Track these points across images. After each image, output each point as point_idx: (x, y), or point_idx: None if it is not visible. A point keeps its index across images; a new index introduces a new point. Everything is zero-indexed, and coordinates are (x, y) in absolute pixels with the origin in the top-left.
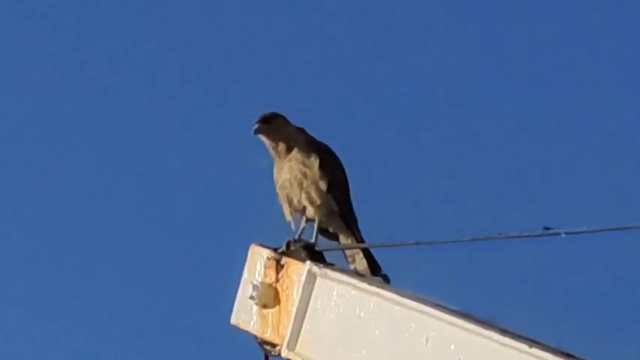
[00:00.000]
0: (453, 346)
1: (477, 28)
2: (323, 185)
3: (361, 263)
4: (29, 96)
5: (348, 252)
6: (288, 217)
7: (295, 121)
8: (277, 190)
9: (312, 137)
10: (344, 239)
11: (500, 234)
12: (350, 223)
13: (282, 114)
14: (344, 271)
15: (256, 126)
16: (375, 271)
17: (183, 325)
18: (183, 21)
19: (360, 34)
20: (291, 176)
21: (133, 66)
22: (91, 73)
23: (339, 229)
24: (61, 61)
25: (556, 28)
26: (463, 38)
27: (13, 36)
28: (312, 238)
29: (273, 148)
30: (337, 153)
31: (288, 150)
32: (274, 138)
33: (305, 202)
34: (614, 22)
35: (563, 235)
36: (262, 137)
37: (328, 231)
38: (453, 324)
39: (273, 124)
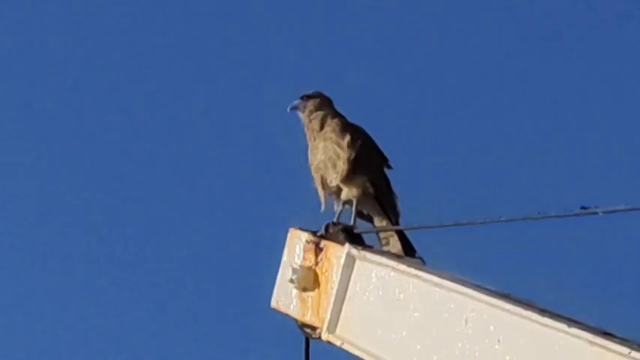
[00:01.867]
0: (492, 327)
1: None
2: (356, 165)
3: (395, 246)
4: (43, 95)
5: (382, 234)
6: (323, 199)
7: (340, 106)
8: (312, 173)
9: (348, 120)
10: (378, 222)
11: (538, 214)
12: (385, 206)
13: (328, 96)
14: (383, 253)
15: (294, 103)
16: (410, 254)
17: (225, 308)
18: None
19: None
20: (326, 157)
21: (169, 50)
22: (128, 61)
23: (373, 211)
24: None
25: (581, 9)
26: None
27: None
28: (350, 220)
29: (308, 126)
30: (374, 135)
31: (323, 130)
32: (311, 116)
33: (339, 183)
34: None
35: (601, 214)
36: (299, 113)
37: (363, 213)
38: (492, 304)
39: (310, 103)
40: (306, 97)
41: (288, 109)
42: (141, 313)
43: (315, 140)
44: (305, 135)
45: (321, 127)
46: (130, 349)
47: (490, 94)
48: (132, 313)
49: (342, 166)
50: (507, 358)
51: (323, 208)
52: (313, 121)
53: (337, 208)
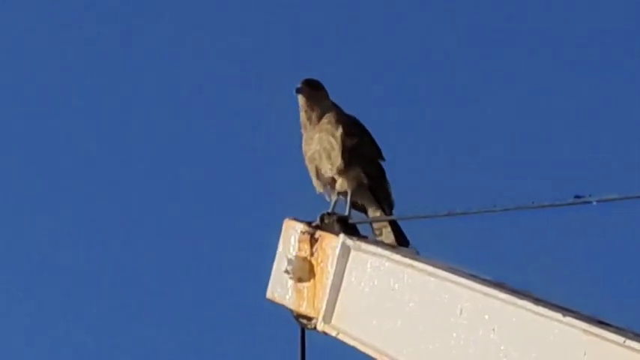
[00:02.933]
0: (487, 316)
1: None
2: (350, 157)
3: (388, 236)
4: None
5: (375, 225)
6: (319, 189)
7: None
8: (306, 163)
9: (344, 112)
10: (372, 212)
11: (532, 203)
12: (380, 197)
13: (324, 86)
14: (377, 243)
15: (300, 86)
16: (403, 244)
17: (220, 300)
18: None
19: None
20: (320, 147)
21: (170, 46)
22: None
23: (368, 201)
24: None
25: None
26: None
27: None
28: (345, 211)
29: (308, 115)
30: (369, 125)
31: (320, 120)
32: (312, 105)
33: (334, 174)
34: None
35: (594, 203)
36: (301, 100)
37: (357, 203)
38: (486, 294)
39: (315, 91)
40: (307, 83)
41: (294, 91)
42: (136, 305)
43: (311, 130)
44: (300, 124)
45: (319, 118)
46: (123, 342)
47: (483, 83)
48: (126, 307)
49: (336, 157)
50: (502, 347)
51: (318, 191)
52: (312, 111)
53: (332, 198)
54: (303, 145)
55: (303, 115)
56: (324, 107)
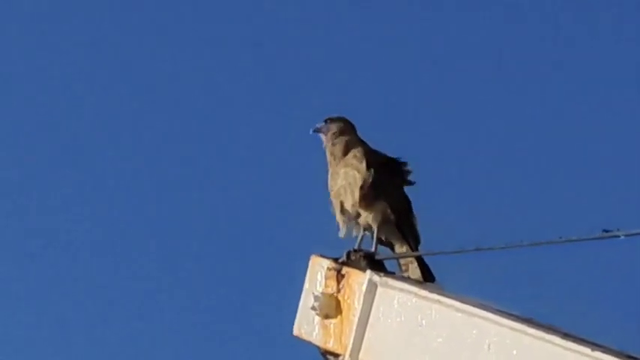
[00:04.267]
0: (515, 352)
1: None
2: (376, 191)
3: (415, 272)
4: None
5: (402, 260)
6: (342, 225)
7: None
8: (332, 198)
9: (370, 147)
10: (398, 247)
11: (560, 238)
12: (406, 232)
13: (352, 122)
14: (404, 279)
15: (318, 126)
16: (429, 279)
17: (247, 337)
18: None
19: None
20: (346, 182)
21: (192, 62)
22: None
23: (393, 237)
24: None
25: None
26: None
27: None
28: (371, 247)
29: (330, 151)
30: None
31: (345, 155)
32: (334, 140)
33: (359, 209)
34: None
35: (622, 237)
36: (323, 136)
37: (381, 239)
38: (514, 329)
39: (334, 126)
40: (330, 121)
41: (310, 132)
42: (165, 344)
43: (336, 165)
44: (326, 159)
45: (344, 153)
46: None
47: (513, 116)
48: (157, 340)
49: (360, 191)
50: None
51: (342, 234)
52: (336, 146)
53: (358, 234)
54: (329, 180)
55: (327, 152)
56: (350, 142)
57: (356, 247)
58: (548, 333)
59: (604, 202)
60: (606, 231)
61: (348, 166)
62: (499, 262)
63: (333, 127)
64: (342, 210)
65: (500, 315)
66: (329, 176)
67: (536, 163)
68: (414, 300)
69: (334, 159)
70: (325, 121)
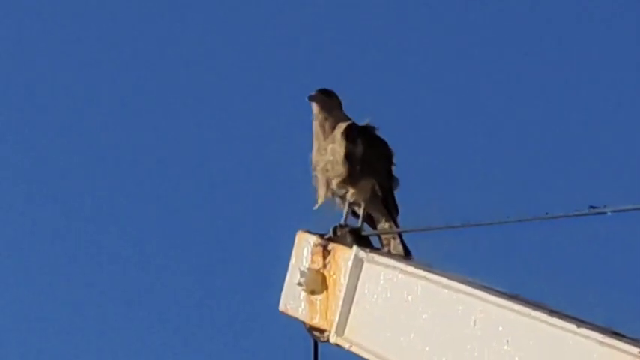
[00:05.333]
0: (500, 327)
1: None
2: (362, 168)
3: (397, 248)
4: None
5: (384, 236)
6: (322, 199)
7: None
8: (316, 173)
9: (356, 124)
10: (383, 223)
11: (547, 214)
12: (391, 209)
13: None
14: (390, 255)
15: (314, 94)
16: (408, 256)
17: (233, 313)
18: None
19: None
20: (334, 158)
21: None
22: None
23: (378, 213)
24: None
25: None
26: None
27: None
28: (358, 222)
29: (321, 124)
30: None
31: (333, 131)
32: (325, 113)
33: (348, 186)
34: None
35: (609, 214)
36: (315, 108)
37: (367, 215)
38: (500, 305)
39: (329, 100)
40: (323, 92)
41: (306, 98)
42: (149, 320)
43: (324, 140)
44: (313, 133)
45: (332, 128)
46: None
47: (498, 92)
48: (143, 320)
49: (343, 168)
50: (516, 358)
51: (317, 206)
52: (328, 120)
53: (344, 210)
54: (314, 154)
55: (316, 124)
56: (337, 117)
57: (342, 222)
58: (534, 309)
59: (591, 178)
60: (593, 207)
61: (336, 142)
62: (486, 239)
63: (324, 101)
64: (328, 186)
65: (486, 291)
66: (314, 150)
67: (523, 139)
68: (400, 276)
69: (323, 132)
70: (319, 91)
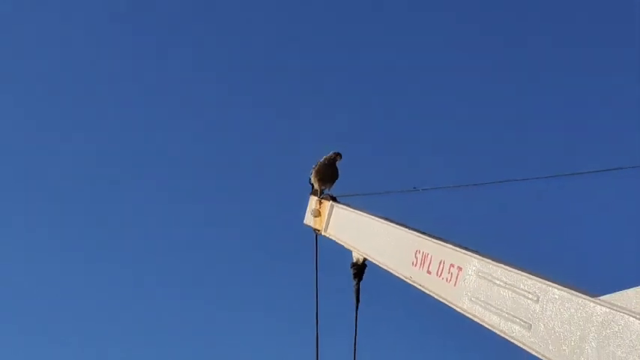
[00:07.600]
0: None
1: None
2: (320, 179)
3: (326, 197)
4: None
5: (323, 195)
6: (317, 187)
7: None
8: (312, 181)
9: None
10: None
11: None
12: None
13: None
14: (344, 204)
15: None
16: (335, 200)
17: (284, 224)
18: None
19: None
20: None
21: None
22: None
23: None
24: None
25: None
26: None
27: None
28: (330, 193)
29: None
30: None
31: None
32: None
33: (322, 186)
34: None
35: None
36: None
37: (320, 191)
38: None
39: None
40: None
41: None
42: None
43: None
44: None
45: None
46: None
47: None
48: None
49: (319, 182)
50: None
51: (316, 187)
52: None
53: (325, 190)
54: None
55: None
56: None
57: (325, 193)
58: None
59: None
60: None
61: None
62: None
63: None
64: (319, 185)
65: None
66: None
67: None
68: (351, 215)
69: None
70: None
